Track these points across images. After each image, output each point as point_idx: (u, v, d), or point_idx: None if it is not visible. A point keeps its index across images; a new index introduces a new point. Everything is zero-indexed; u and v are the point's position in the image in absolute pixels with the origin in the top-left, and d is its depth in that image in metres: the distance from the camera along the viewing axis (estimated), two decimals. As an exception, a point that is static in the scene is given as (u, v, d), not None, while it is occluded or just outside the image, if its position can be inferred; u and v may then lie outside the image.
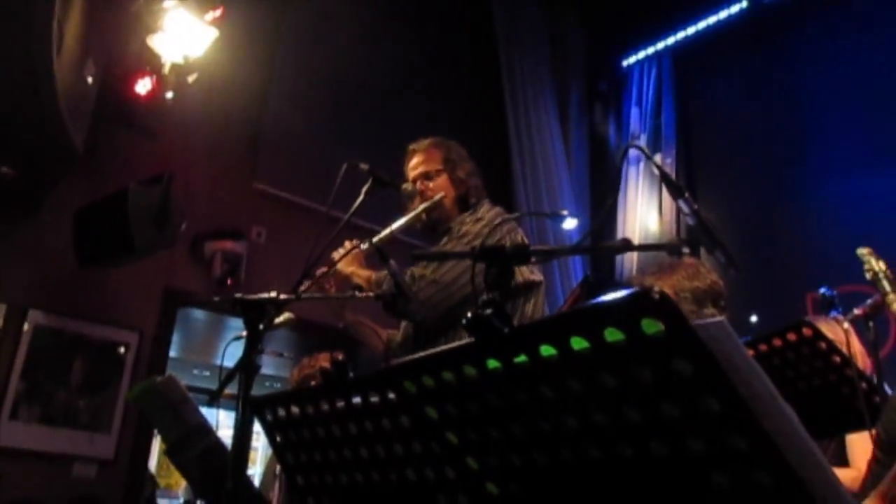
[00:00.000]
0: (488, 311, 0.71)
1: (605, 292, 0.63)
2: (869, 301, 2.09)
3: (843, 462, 2.36)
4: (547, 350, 0.67)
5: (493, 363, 0.72)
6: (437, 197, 2.56)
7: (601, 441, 0.68)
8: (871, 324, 2.07)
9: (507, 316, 0.71)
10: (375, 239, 2.34)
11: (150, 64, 4.22)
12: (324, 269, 2.36)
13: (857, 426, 1.85)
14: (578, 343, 0.65)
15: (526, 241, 2.54)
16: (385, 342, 2.75)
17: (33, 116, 3.16)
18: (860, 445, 2.27)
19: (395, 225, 2.46)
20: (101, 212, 3.80)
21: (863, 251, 1.81)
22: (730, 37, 5.87)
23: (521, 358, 0.70)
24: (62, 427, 4.14)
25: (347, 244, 2.56)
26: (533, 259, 1.60)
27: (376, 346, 2.76)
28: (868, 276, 1.77)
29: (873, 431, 1.73)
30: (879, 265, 1.76)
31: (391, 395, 0.87)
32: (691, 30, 6.09)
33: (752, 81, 5.72)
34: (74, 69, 3.46)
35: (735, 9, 5.80)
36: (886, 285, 1.72)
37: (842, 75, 5.05)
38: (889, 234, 2.87)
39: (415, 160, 2.69)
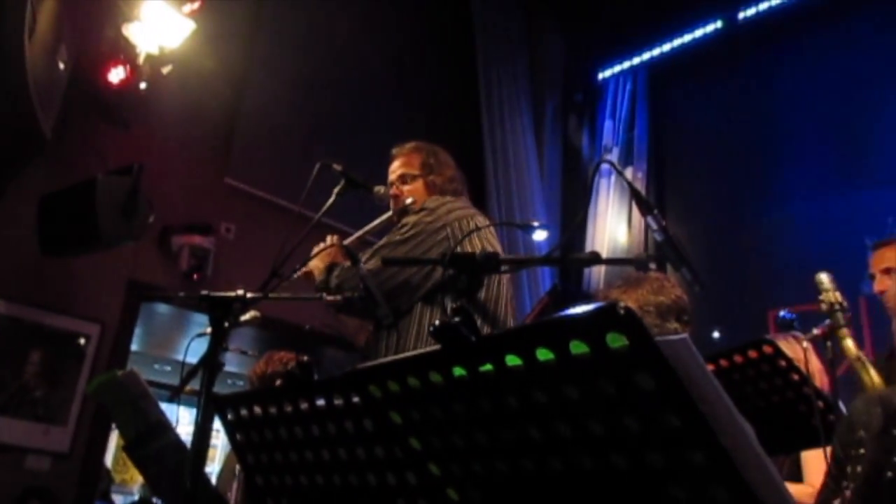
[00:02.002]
0: (456, 318, 0.71)
1: (572, 304, 0.64)
2: (828, 321, 2.12)
3: (798, 478, 2.40)
4: (512, 360, 0.68)
5: (458, 371, 0.73)
6: (407, 201, 2.55)
7: (562, 452, 0.69)
8: (828, 343, 2.11)
9: (475, 324, 0.71)
10: (346, 242, 2.33)
11: (125, 53, 4.18)
12: (303, 269, 2.35)
13: (813, 443, 1.88)
14: (544, 354, 0.65)
15: (487, 233, 2.51)
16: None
17: (1, 100, 3.10)
18: (814, 462, 2.31)
19: (367, 227, 2.46)
20: (68, 200, 3.73)
21: (822, 278, 1.76)
22: (704, 55, 5.97)
23: (487, 367, 0.70)
24: (16, 418, 4.05)
25: (329, 240, 2.54)
26: (502, 269, 1.61)
27: (359, 344, 2.75)
28: (823, 306, 1.72)
29: (829, 448, 1.75)
30: (836, 296, 1.71)
31: (356, 399, 0.87)
32: (667, 46, 6.17)
33: (723, 100, 5.82)
34: (46, 54, 3.40)
35: (710, 28, 5.89)
36: (840, 318, 1.68)
37: (811, 98, 5.16)
38: (851, 255, 2.93)
39: (395, 163, 2.68)
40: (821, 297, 1.72)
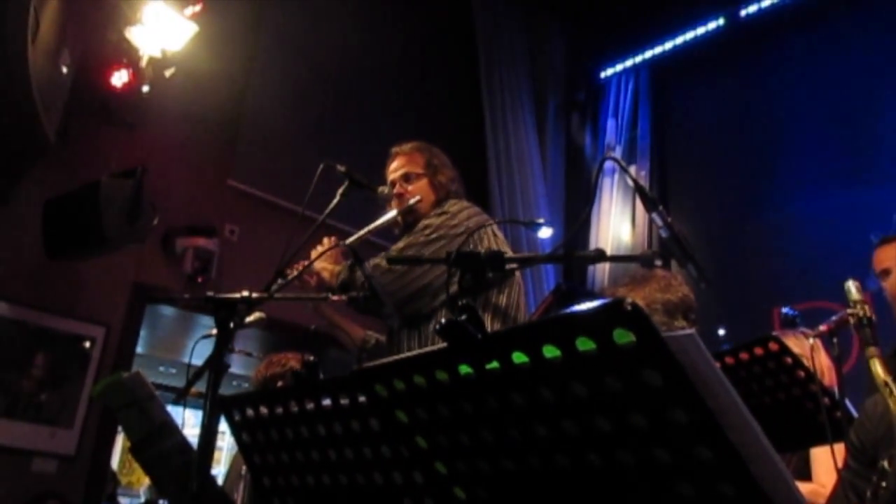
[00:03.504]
0: (462, 316, 0.71)
1: (577, 302, 0.64)
2: (834, 317, 2.10)
3: (805, 476, 2.40)
4: (519, 357, 0.68)
5: (465, 369, 0.73)
6: (412, 200, 2.54)
7: (569, 449, 0.68)
8: (835, 340, 2.10)
9: (481, 322, 0.71)
10: (349, 241, 2.33)
11: (128, 56, 4.18)
12: (301, 264, 2.34)
13: (819, 441, 1.88)
14: (550, 351, 0.65)
15: (500, 237, 2.52)
16: (360, 342, 2.74)
17: (5, 104, 3.10)
18: (823, 460, 2.30)
19: (370, 227, 2.45)
20: (72, 203, 3.74)
21: (851, 288, 1.70)
22: (706, 53, 5.95)
23: (494, 364, 0.70)
24: (22, 421, 4.06)
25: (326, 241, 2.54)
26: (507, 266, 1.61)
27: (349, 345, 2.75)
28: (852, 319, 1.66)
29: (839, 446, 1.74)
30: (866, 310, 1.65)
31: (361, 398, 0.87)
32: (669, 44, 6.17)
33: (726, 97, 5.81)
34: (49, 58, 3.41)
35: (712, 25, 5.88)
36: (869, 335, 1.62)
37: (813, 94, 5.14)
38: (855, 251, 2.92)
39: (396, 162, 2.66)
40: (849, 311, 1.67)
